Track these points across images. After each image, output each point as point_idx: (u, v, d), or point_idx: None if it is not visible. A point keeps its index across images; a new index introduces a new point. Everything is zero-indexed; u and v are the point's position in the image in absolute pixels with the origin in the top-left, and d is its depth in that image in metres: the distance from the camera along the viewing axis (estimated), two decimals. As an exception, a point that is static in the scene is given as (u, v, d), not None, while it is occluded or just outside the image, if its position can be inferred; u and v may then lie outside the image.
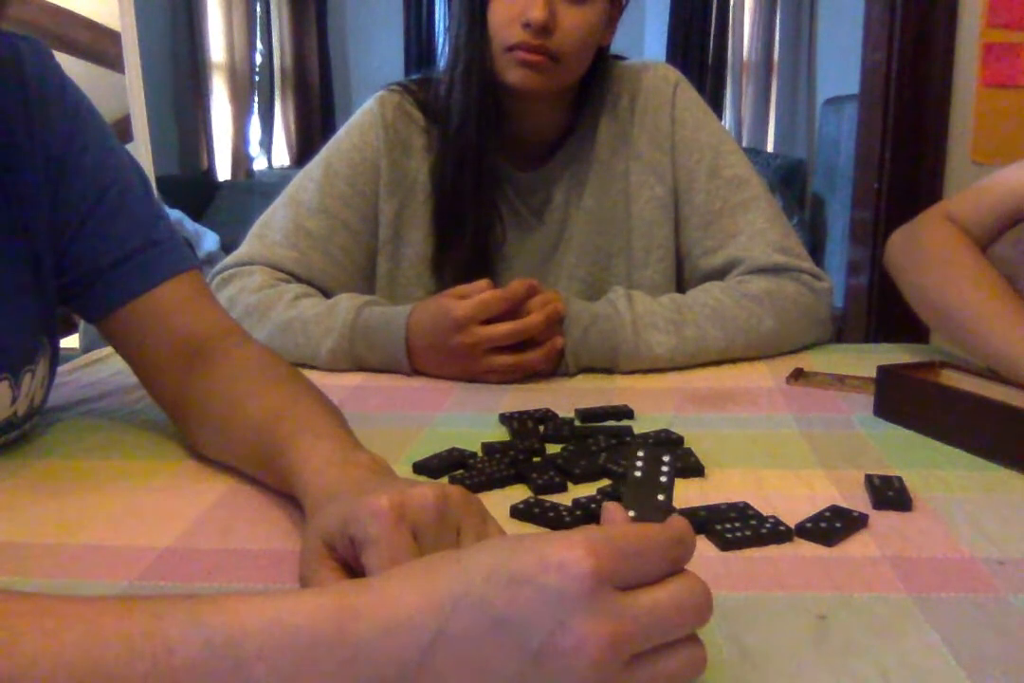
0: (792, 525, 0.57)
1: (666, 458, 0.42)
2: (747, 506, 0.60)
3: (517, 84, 1.02)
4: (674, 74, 1.15)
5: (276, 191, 1.15)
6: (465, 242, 1.09)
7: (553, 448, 0.72)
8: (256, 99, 5.18)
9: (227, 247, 3.34)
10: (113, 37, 2.86)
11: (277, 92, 5.36)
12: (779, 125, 5.16)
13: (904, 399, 0.79)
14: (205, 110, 4.73)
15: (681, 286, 1.13)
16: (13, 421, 0.72)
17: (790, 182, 4.45)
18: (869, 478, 0.64)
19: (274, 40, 5.29)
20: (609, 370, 0.97)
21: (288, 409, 0.63)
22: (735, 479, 0.67)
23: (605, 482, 0.65)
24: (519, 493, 0.63)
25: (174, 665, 0.33)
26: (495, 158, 1.10)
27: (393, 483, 0.51)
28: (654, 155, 1.12)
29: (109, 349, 0.96)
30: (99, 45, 2.82)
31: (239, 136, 5.03)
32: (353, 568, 0.46)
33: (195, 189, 4.52)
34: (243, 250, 1.09)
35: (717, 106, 5.08)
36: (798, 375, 0.94)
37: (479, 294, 0.91)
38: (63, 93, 0.73)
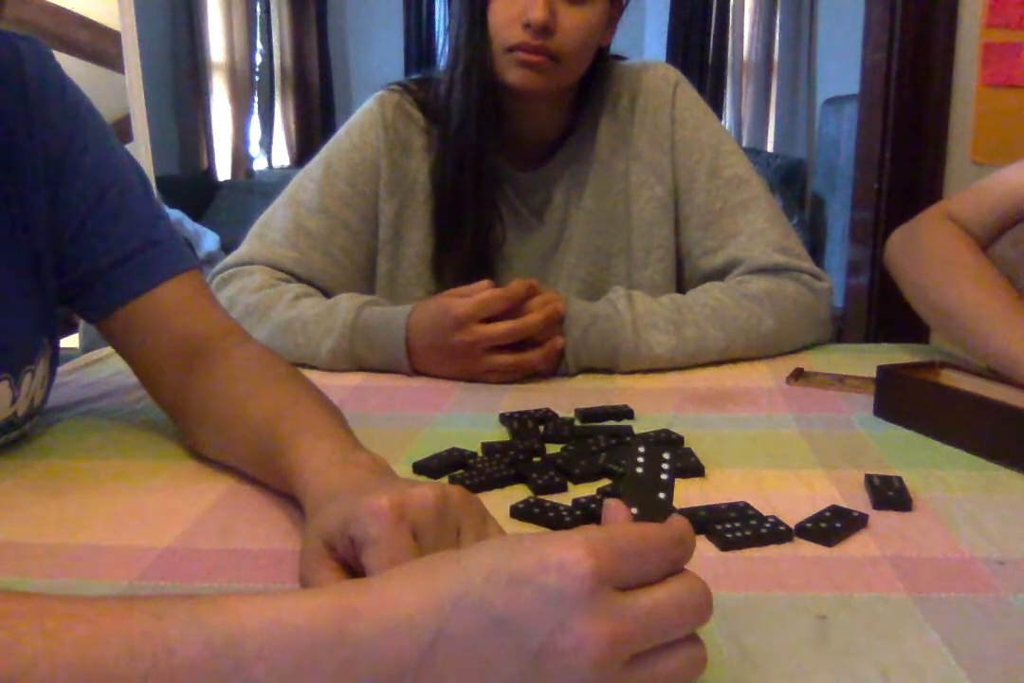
0: (792, 525, 0.57)
1: (666, 455, 0.42)
2: (747, 506, 0.60)
3: (517, 84, 1.02)
4: (674, 74, 1.15)
5: (276, 191, 1.15)
6: (465, 242, 1.09)
7: (553, 448, 0.72)
8: (256, 99, 5.18)
9: (227, 247, 3.34)
10: (113, 37, 2.86)
11: (277, 92, 5.36)
12: (779, 125, 5.16)
13: (904, 399, 0.79)
14: (205, 110, 4.73)
15: (681, 286, 1.13)
16: (13, 421, 0.72)
17: (790, 182, 4.45)
18: (869, 478, 0.64)
19: (274, 40, 5.29)
20: (609, 370, 0.97)
21: (288, 409, 0.63)
22: (735, 479, 0.67)
23: (605, 482, 0.65)
24: (519, 493, 0.63)
25: (174, 665, 0.33)
26: (495, 158, 1.10)
27: (393, 483, 0.51)
28: (654, 155, 1.12)
29: (109, 349, 0.96)
30: (99, 45, 2.82)
31: (239, 136, 5.03)
32: (353, 568, 0.46)
33: (195, 189, 4.52)
34: (243, 250, 1.09)
35: (717, 106, 5.08)
36: (798, 375, 0.94)
37: (478, 293, 0.92)
38: (63, 93, 0.73)
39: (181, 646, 0.33)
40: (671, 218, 1.12)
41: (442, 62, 1.09)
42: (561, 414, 0.81)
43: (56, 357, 0.78)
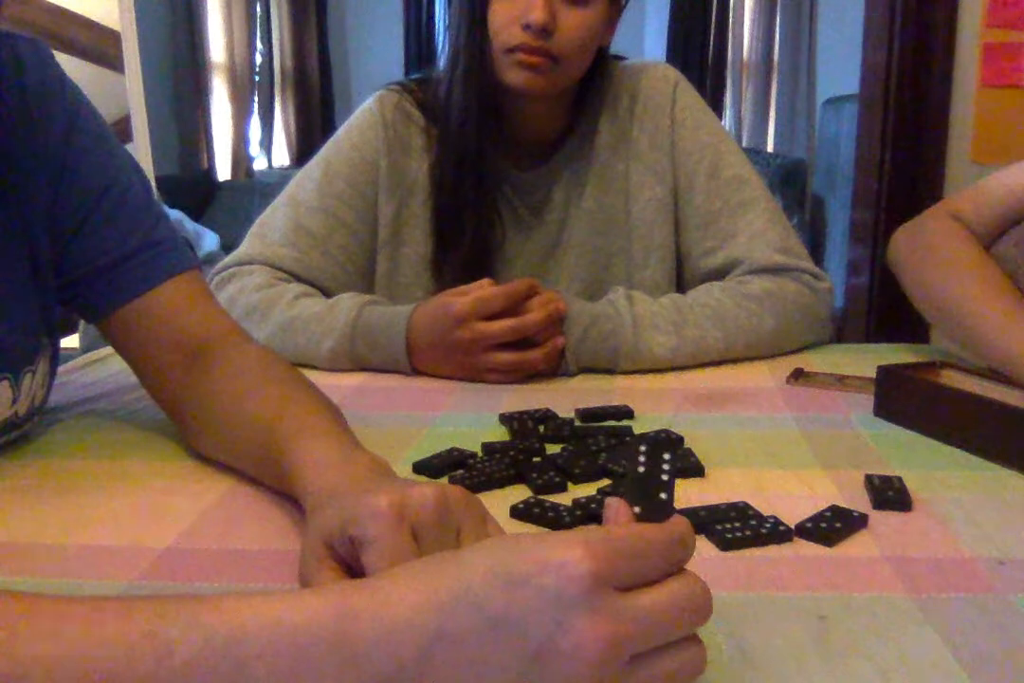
0: (792, 525, 0.57)
1: (667, 455, 0.42)
2: (747, 506, 0.60)
3: (517, 86, 1.02)
4: (674, 74, 1.15)
5: (276, 191, 1.15)
6: (464, 242, 1.09)
7: (553, 448, 0.72)
8: (256, 99, 5.17)
9: (227, 247, 3.33)
10: (113, 37, 2.86)
11: (277, 92, 5.35)
12: (779, 125, 5.16)
13: (904, 399, 0.79)
14: (205, 110, 4.73)
15: (681, 286, 1.13)
16: (14, 421, 0.72)
17: (790, 182, 4.45)
18: (869, 478, 0.64)
19: (274, 40, 5.29)
20: (609, 370, 0.97)
21: (288, 409, 0.63)
22: (735, 479, 0.67)
23: (605, 482, 0.65)
24: (519, 493, 0.63)
25: (174, 665, 0.33)
26: (495, 158, 1.10)
27: (393, 483, 0.51)
28: (654, 155, 1.12)
29: (109, 349, 0.96)
30: (99, 45, 2.82)
31: (239, 136, 5.02)
32: (353, 568, 0.46)
33: (195, 189, 4.51)
34: (243, 249, 1.09)
35: (717, 106, 5.08)
36: (798, 375, 0.94)
37: (479, 291, 0.92)
38: (63, 93, 0.72)
39: (181, 646, 0.33)
40: (671, 218, 1.12)
41: (442, 62, 1.09)
42: (561, 414, 0.81)
43: (56, 357, 0.78)
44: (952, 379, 0.81)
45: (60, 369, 0.85)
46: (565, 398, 0.87)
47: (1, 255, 0.69)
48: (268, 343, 0.95)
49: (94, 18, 2.83)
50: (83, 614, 0.34)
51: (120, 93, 2.88)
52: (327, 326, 0.97)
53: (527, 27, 0.98)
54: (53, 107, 0.71)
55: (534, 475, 0.65)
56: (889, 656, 0.43)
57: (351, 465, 0.54)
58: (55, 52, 0.74)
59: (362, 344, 0.96)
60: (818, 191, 4.53)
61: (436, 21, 5.46)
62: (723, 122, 3.88)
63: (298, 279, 1.06)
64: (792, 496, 0.63)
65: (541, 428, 0.77)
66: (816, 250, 4.16)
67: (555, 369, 0.96)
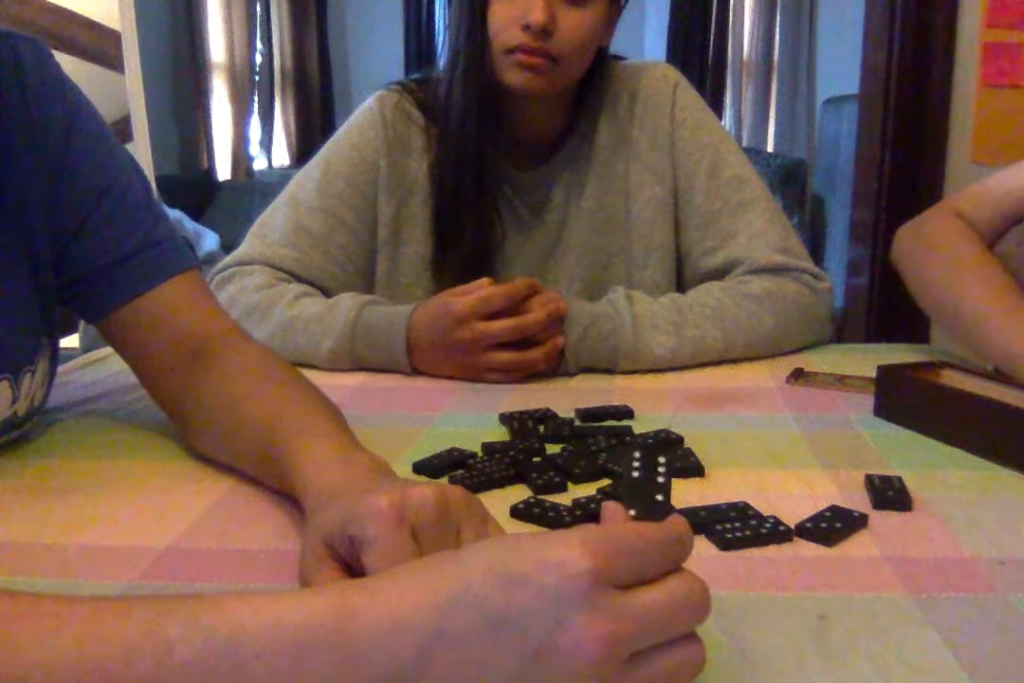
0: (792, 525, 0.57)
1: (662, 459, 0.42)
2: (747, 506, 0.60)
3: (517, 86, 1.02)
4: (674, 74, 1.15)
5: (276, 191, 1.15)
6: (464, 242, 1.09)
7: (553, 448, 0.72)
8: (256, 99, 5.17)
9: (227, 247, 3.33)
10: (113, 37, 2.86)
11: (277, 92, 5.35)
12: (779, 125, 5.16)
13: (904, 399, 0.79)
14: (205, 110, 4.73)
15: (681, 286, 1.13)
16: (13, 421, 0.72)
17: (790, 182, 4.44)
18: (869, 478, 0.64)
19: (274, 40, 5.29)
20: (609, 370, 0.97)
21: (288, 409, 0.63)
22: (735, 479, 0.67)
23: (605, 482, 0.65)
24: (519, 493, 0.63)
25: (174, 665, 0.33)
26: (494, 158, 1.10)
27: (393, 483, 0.51)
28: (654, 155, 1.12)
29: (109, 349, 0.96)
30: (99, 45, 2.82)
31: (239, 136, 5.02)
32: (353, 568, 0.46)
33: (195, 189, 4.51)
34: (243, 249, 1.09)
35: (717, 106, 5.08)
36: (798, 375, 0.94)
37: (479, 290, 0.92)
38: (63, 93, 0.72)
39: (181, 646, 0.33)
40: (671, 218, 1.12)
41: (442, 62, 1.09)
42: (561, 414, 0.81)
43: (56, 357, 0.78)
44: (952, 379, 0.81)
45: (60, 369, 0.85)
46: (565, 398, 0.87)
47: (1, 255, 0.69)
48: (268, 343, 0.95)
49: (94, 18, 2.83)
50: (83, 614, 0.34)
51: (120, 93, 2.88)
52: (327, 326, 0.97)
53: (527, 28, 0.98)
54: (53, 107, 0.71)
55: (534, 475, 0.65)
56: (889, 656, 0.43)
57: (351, 465, 0.54)
58: (55, 52, 0.74)
59: (362, 344, 0.96)
60: (818, 191, 4.53)
61: (436, 21, 5.46)
62: (723, 122, 3.88)
63: (298, 279, 1.06)
64: (792, 496, 0.63)
65: (541, 428, 0.77)
66: (816, 250, 4.16)
67: (555, 369, 0.96)
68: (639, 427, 0.77)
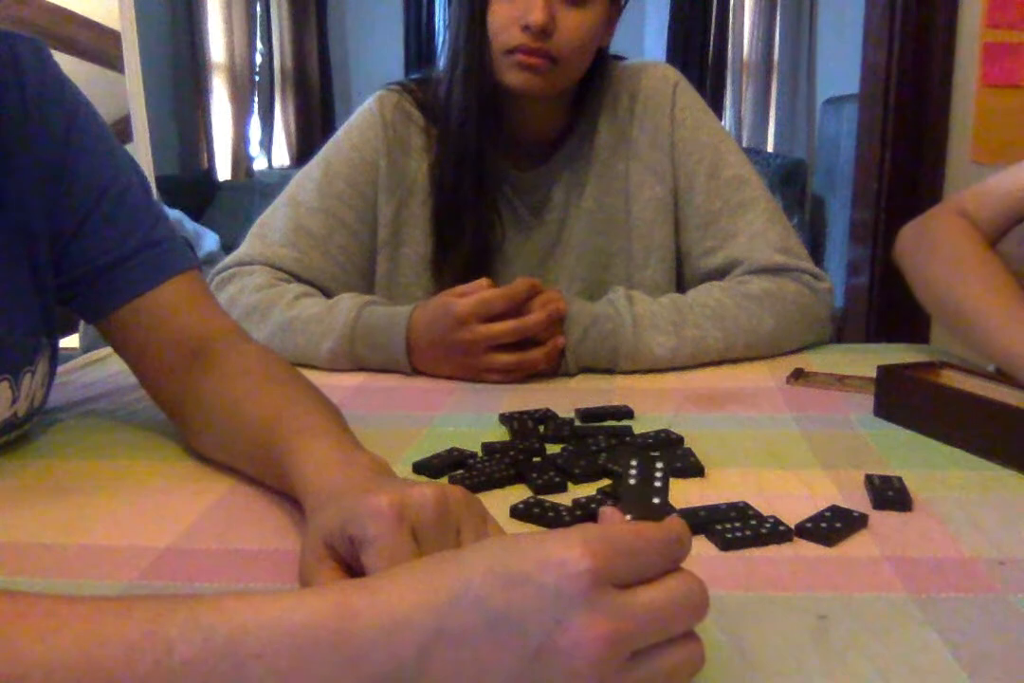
0: (792, 525, 0.57)
1: (659, 464, 0.42)
2: (747, 506, 0.60)
3: (517, 86, 1.02)
4: (674, 74, 1.15)
5: (276, 191, 1.15)
6: (464, 242, 1.09)
7: (553, 448, 0.72)
8: (256, 99, 5.17)
9: (227, 247, 3.33)
10: (113, 37, 2.85)
11: (277, 92, 5.35)
12: (779, 125, 5.16)
13: (904, 399, 0.79)
14: (205, 110, 4.73)
15: (681, 286, 1.13)
16: (13, 422, 0.72)
17: (790, 182, 4.44)
18: (869, 478, 0.64)
19: (274, 40, 5.29)
20: (609, 370, 0.97)
21: (288, 409, 0.63)
22: (735, 479, 0.67)
23: (605, 482, 0.65)
24: (519, 493, 0.63)
25: (174, 665, 0.33)
26: (494, 158, 1.10)
27: (393, 483, 0.51)
28: (654, 155, 1.12)
29: (109, 349, 0.96)
30: (99, 45, 2.82)
31: (239, 136, 5.02)
32: (353, 568, 0.46)
33: (195, 189, 4.51)
34: (243, 250, 1.09)
35: (717, 106, 5.08)
36: (798, 375, 0.94)
37: (480, 291, 0.91)
38: (62, 93, 0.72)
39: (181, 646, 0.33)
40: (671, 218, 1.12)
41: (441, 62, 1.09)
42: (561, 414, 0.81)
43: (56, 357, 0.78)
44: (952, 379, 0.81)
45: (60, 369, 0.85)
46: (565, 398, 0.87)
47: (1, 255, 0.69)
48: (268, 343, 0.95)
49: (94, 18, 2.83)
50: (83, 614, 0.34)
51: (120, 93, 2.88)
52: (327, 326, 0.97)
53: (526, 28, 0.98)
54: (52, 107, 0.71)
55: (534, 475, 0.65)
56: (889, 656, 0.43)
57: (351, 465, 0.54)
58: (55, 52, 0.74)
59: (362, 344, 0.96)
60: (818, 191, 4.53)
61: (436, 21, 5.46)
62: (723, 122, 3.88)
63: (298, 279, 1.06)
64: (792, 496, 0.63)
65: (541, 428, 0.77)
66: (816, 250, 4.16)
67: (555, 369, 0.96)
68: (639, 427, 0.77)
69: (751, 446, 0.74)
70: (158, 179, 3.31)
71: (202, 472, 0.69)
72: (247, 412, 0.65)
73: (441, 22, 5.39)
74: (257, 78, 5.16)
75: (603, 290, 1.05)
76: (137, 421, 0.82)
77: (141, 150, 2.92)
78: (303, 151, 5.33)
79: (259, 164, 5.24)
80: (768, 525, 0.56)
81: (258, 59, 5.17)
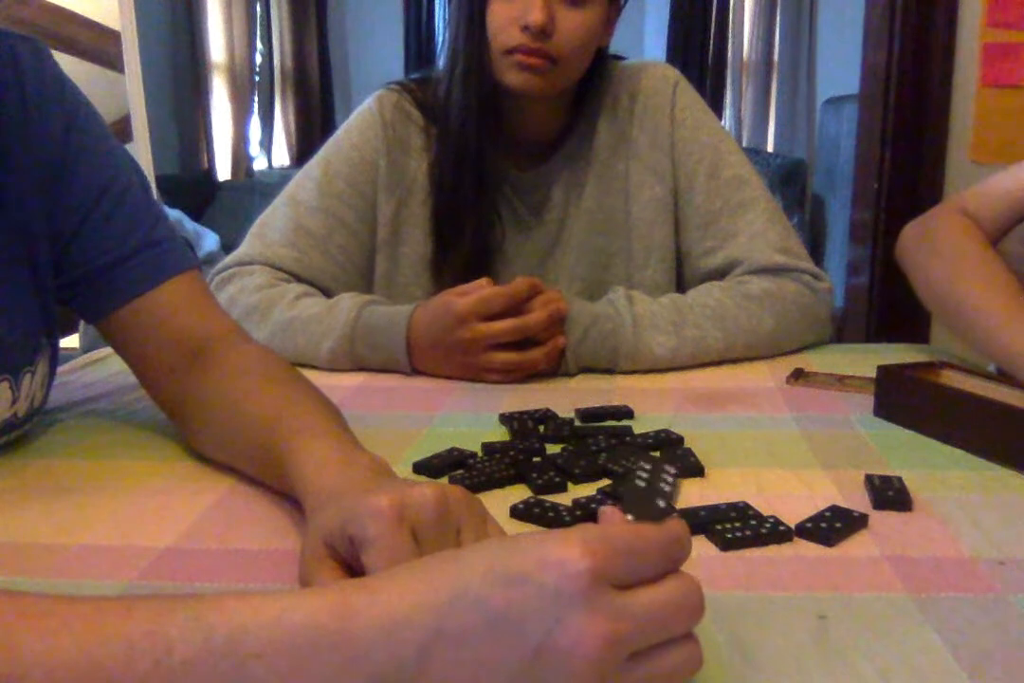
0: (792, 525, 0.57)
1: (671, 469, 0.42)
2: (747, 506, 0.59)
3: (516, 87, 1.02)
4: (674, 74, 1.15)
5: (276, 191, 1.15)
6: (464, 242, 1.09)
7: (553, 448, 0.72)
8: (256, 99, 5.17)
9: (227, 247, 3.33)
10: (113, 37, 2.85)
11: (277, 92, 5.35)
12: (779, 125, 5.16)
13: (904, 399, 0.79)
14: (205, 110, 4.73)
15: (681, 286, 1.13)
16: (13, 422, 0.72)
17: (790, 182, 4.45)
18: (869, 478, 0.64)
19: (274, 40, 5.29)
20: (609, 370, 0.97)
21: (288, 409, 0.63)
22: (735, 479, 0.67)
23: (605, 482, 0.65)
24: (519, 493, 0.63)
25: (174, 664, 0.33)
26: (494, 158, 1.10)
27: (393, 483, 0.51)
28: (654, 155, 1.12)
29: (109, 349, 0.96)
30: (99, 45, 2.82)
31: (239, 136, 5.02)
32: (353, 568, 0.46)
33: (195, 189, 4.51)
34: (243, 250, 1.09)
35: (717, 106, 5.08)
36: (798, 375, 0.94)
37: (480, 290, 0.91)
38: (61, 93, 0.72)
39: (181, 646, 0.33)
40: (671, 218, 1.12)
41: (441, 62, 1.09)
42: (561, 414, 0.81)
43: (56, 357, 0.78)
44: (952, 379, 0.81)
45: (60, 369, 0.85)
46: (565, 398, 0.87)
47: (1, 255, 0.69)
48: (268, 343, 0.95)
49: (94, 18, 2.83)
50: (83, 614, 0.34)
51: (120, 93, 2.88)
52: (327, 326, 0.97)
53: (526, 28, 0.98)
54: (52, 107, 0.71)
55: (534, 475, 0.65)
56: (889, 656, 0.43)
57: (351, 465, 0.54)
58: (55, 52, 0.74)
59: (362, 344, 0.96)
60: (818, 191, 4.53)
61: (436, 21, 5.46)
62: (723, 122, 3.88)
63: (298, 279, 1.06)
64: (792, 496, 0.63)
65: (541, 428, 0.77)
66: (816, 250, 4.16)
67: (555, 369, 0.96)
68: (639, 427, 0.77)
69: (751, 446, 0.74)
70: (158, 179, 3.31)
71: (202, 472, 0.69)
72: (247, 412, 0.65)
73: (441, 22, 5.39)
74: (257, 78, 5.16)
75: (603, 290, 1.05)
76: (137, 421, 0.82)
77: (141, 150, 2.92)
78: (303, 151, 5.34)
79: (259, 164, 5.24)
80: (768, 525, 0.56)
81: (258, 59, 5.17)
